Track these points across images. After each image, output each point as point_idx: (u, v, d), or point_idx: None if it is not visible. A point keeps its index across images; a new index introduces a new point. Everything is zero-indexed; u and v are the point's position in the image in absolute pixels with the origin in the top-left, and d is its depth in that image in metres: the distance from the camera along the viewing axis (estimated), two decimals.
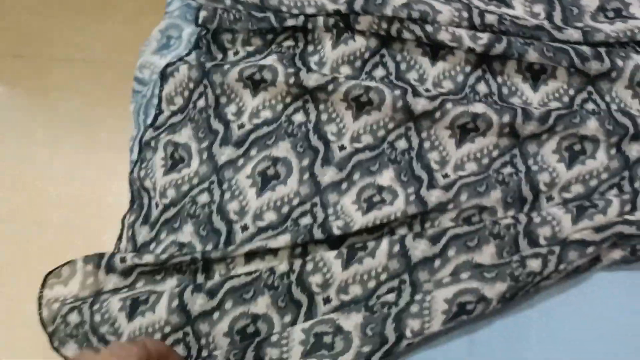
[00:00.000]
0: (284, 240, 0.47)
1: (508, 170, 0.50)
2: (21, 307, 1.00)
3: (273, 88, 0.54)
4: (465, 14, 0.53)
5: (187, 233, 0.50)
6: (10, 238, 1.02)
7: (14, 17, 1.23)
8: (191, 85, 0.56)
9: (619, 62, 0.52)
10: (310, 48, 0.56)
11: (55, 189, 1.06)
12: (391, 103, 0.51)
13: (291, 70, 0.53)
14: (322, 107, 0.53)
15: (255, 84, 0.54)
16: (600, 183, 0.49)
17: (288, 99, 0.54)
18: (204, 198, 0.51)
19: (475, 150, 0.51)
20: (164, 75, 0.57)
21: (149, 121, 0.57)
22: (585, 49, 0.53)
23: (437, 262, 0.46)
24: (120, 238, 0.53)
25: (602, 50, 0.53)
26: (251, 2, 0.57)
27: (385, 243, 0.46)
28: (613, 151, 0.50)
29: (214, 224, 0.50)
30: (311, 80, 0.52)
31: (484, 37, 0.53)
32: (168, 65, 0.57)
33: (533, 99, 0.53)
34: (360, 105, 0.52)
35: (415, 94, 0.52)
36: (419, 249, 0.46)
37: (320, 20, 0.55)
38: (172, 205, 0.52)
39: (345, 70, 0.54)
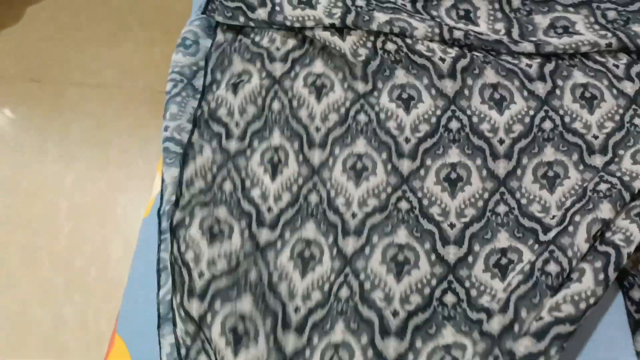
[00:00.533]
0: (339, 328, 0.50)
1: (503, 208, 0.55)
2: (30, 310, 1.06)
3: (287, 169, 0.57)
4: (437, 30, 0.61)
5: (246, 303, 0.51)
6: (22, 245, 1.08)
7: (31, 44, 1.32)
8: (214, 169, 0.57)
9: (559, 82, 0.60)
10: (296, 103, 0.61)
11: (66, 201, 1.13)
12: (383, 168, 0.56)
13: (297, 148, 0.58)
14: (328, 184, 0.57)
15: (274, 168, 0.57)
16: (584, 193, 0.54)
17: (300, 181, 0.57)
18: (253, 276, 0.53)
19: (469, 197, 0.55)
20: (185, 157, 0.57)
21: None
22: (532, 70, 0.61)
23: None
24: (174, 323, 0.51)
25: (547, 70, 0.60)
26: (261, 19, 0.63)
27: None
28: (581, 167, 0.56)
29: (268, 303, 0.51)
30: (315, 158, 0.57)
31: (452, 52, 0.61)
32: (188, 147, 0.58)
33: (500, 122, 0.58)
34: (359, 173, 0.56)
35: (398, 152, 0.57)
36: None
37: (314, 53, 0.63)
38: (223, 274, 0.52)
39: (333, 117, 0.59)
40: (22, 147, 1.19)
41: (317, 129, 0.58)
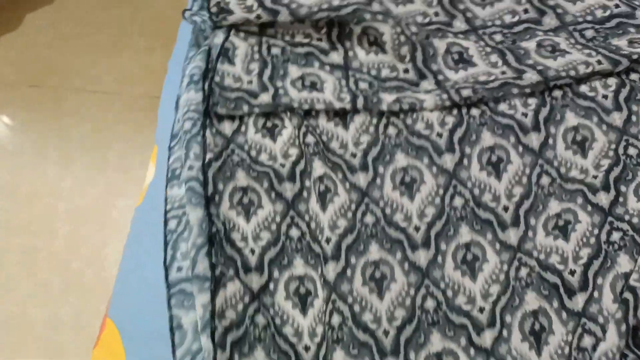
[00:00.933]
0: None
1: (524, 271, 0.54)
2: (28, 311, 1.06)
3: (317, 300, 0.54)
4: (444, 96, 0.61)
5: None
6: (20, 247, 1.09)
7: (33, 50, 1.34)
8: (247, 299, 0.53)
9: (552, 129, 0.60)
10: (314, 225, 0.58)
11: (65, 204, 1.14)
12: (401, 270, 0.54)
13: (319, 272, 0.55)
14: (350, 299, 0.54)
15: (302, 300, 0.54)
16: (599, 246, 0.55)
17: (324, 307, 0.54)
18: None
19: (490, 274, 0.54)
20: (216, 286, 0.52)
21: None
22: (527, 120, 0.60)
23: None
24: None
25: (542, 117, 0.60)
26: (265, 103, 0.61)
27: None
28: (589, 208, 0.56)
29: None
30: (331, 272, 0.54)
31: (449, 122, 0.60)
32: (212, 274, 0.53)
33: (500, 189, 0.58)
34: (379, 282, 0.54)
35: (411, 245, 0.55)
36: None
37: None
38: None
39: (342, 223, 0.56)
40: (21, 151, 1.20)
41: (328, 240, 0.55)
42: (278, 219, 0.56)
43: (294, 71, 0.64)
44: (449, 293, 0.53)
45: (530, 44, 0.66)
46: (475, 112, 0.62)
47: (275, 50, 0.65)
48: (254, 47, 0.65)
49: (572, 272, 0.54)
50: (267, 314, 0.53)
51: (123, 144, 1.22)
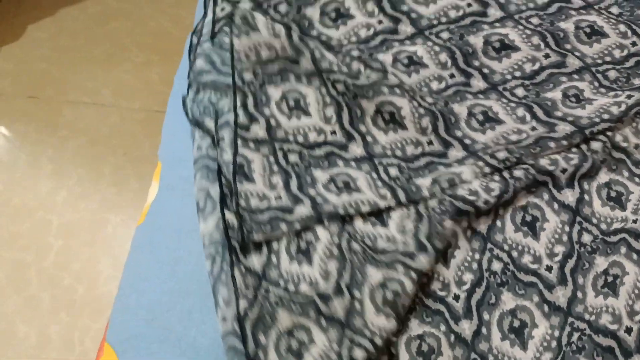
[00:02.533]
0: None
1: (575, 336, 0.52)
2: (15, 327, 1.03)
3: None
4: (480, 163, 0.58)
5: None
6: (9, 261, 1.07)
7: (31, 62, 1.33)
8: None
9: (585, 186, 0.59)
10: None
11: (57, 218, 1.12)
12: (447, 343, 0.52)
13: None
14: None
15: None
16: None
17: None
18: None
19: (541, 342, 0.52)
20: None
21: None
22: (560, 174, 0.58)
23: None
24: None
25: (578, 174, 0.58)
26: (305, 216, 0.55)
27: None
28: (634, 256, 0.55)
29: None
30: None
31: (496, 189, 0.56)
32: None
33: (539, 249, 0.56)
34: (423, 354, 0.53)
35: (453, 316, 0.53)
36: None
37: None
38: None
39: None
40: (15, 163, 1.19)
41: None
42: (335, 347, 0.50)
43: (320, 176, 0.58)
44: None
45: (555, 94, 0.64)
46: (516, 174, 0.58)
47: (293, 158, 0.59)
48: (269, 158, 0.58)
49: (629, 330, 0.51)
50: None
51: (119, 158, 1.21)
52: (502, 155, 0.57)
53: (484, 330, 0.52)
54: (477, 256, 0.55)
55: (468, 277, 0.54)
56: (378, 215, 0.56)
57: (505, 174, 0.57)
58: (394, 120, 0.61)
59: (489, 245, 0.55)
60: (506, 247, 0.55)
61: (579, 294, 0.53)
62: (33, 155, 1.20)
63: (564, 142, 0.59)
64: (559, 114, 0.61)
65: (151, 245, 0.54)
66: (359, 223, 0.55)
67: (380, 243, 0.54)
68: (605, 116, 0.60)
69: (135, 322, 0.51)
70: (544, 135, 0.59)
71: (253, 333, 0.49)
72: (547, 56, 0.66)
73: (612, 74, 0.65)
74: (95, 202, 1.15)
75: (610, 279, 0.53)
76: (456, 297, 0.53)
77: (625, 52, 0.67)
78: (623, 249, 0.55)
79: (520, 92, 0.65)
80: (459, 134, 0.62)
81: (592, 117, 0.60)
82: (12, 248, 1.08)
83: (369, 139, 0.61)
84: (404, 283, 0.52)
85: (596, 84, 0.64)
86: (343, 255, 0.53)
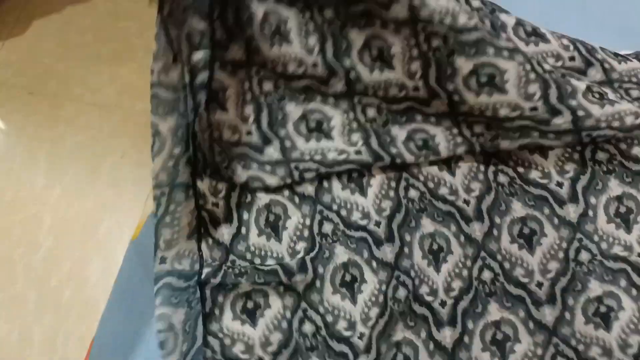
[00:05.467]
0: None
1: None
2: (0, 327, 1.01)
3: None
4: (455, 130, 0.57)
5: None
6: None
7: (34, 58, 1.31)
8: None
9: (592, 200, 0.55)
10: (331, 318, 0.54)
11: (50, 216, 1.10)
12: (426, 352, 0.51)
13: None
14: None
15: None
16: None
17: None
18: None
19: (522, 358, 0.52)
20: None
21: None
22: (563, 191, 0.55)
23: None
24: None
25: (580, 186, 0.55)
26: (275, 159, 0.55)
27: None
28: (634, 292, 0.53)
29: None
30: None
31: (476, 189, 0.56)
32: None
33: (533, 264, 0.54)
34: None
35: (437, 322, 0.52)
36: None
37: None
38: None
39: (374, 312, 0.53)
40: (12, 155, 1.17)
41: (361, 335, 0.51)
42: (288, 315, 0.50)
43: (293, 111, 0.56)
44: None
45: (580, 84, 0.57)
46: (502, 178, 0.57)
47: (267, 86, 0.57)
48: (244, 84, 0.56)
49: None
50: None
51: (117, 159, 1.19)
52: (479, 129, 0.55)
53: (466, 339, 0.52)
54: (468, 263, 0.54)
55: (457, 284, 0.54)
56: (358, 181, 0.55)
57: (490, 175, 0.56)
58: (382, 58, 0.56)
59: (482, 254, 0.55)
60: (499, 257, 0.54)
61: (567, 315, 0.52)
62: (29, 150, 1.18)
63: (553, 138, 0.55)
64: (573, 102, 0.54)
65: (144, 266, 0.52)
66: (337, 190, 0.55)
67: (355, 216, 0.55)
68: (616, 124, 0.55)
69: (120, 342, 0.49)
70: (529, 125, 0.55)
71: (212, 293, 0.50)
72: (571, 59, 0.63)
73: (635, 93, 0.62)
74: (89, 202, 1.12)
75: (603, 309, 0.52)
76: (442, 304, 0.53)
77: None
78: (623, 282, 0.52)
79: (547, 66, 0.58)
80: (450, 86, 0.56)
81: (601, 120, 0.55)
82: (1, 243, 1.06)
83: (352, 74, 0.57)
84: (362, 268, 0.53)
85: (618, 95, 0.60)
86: (314, 237, 0.53)
